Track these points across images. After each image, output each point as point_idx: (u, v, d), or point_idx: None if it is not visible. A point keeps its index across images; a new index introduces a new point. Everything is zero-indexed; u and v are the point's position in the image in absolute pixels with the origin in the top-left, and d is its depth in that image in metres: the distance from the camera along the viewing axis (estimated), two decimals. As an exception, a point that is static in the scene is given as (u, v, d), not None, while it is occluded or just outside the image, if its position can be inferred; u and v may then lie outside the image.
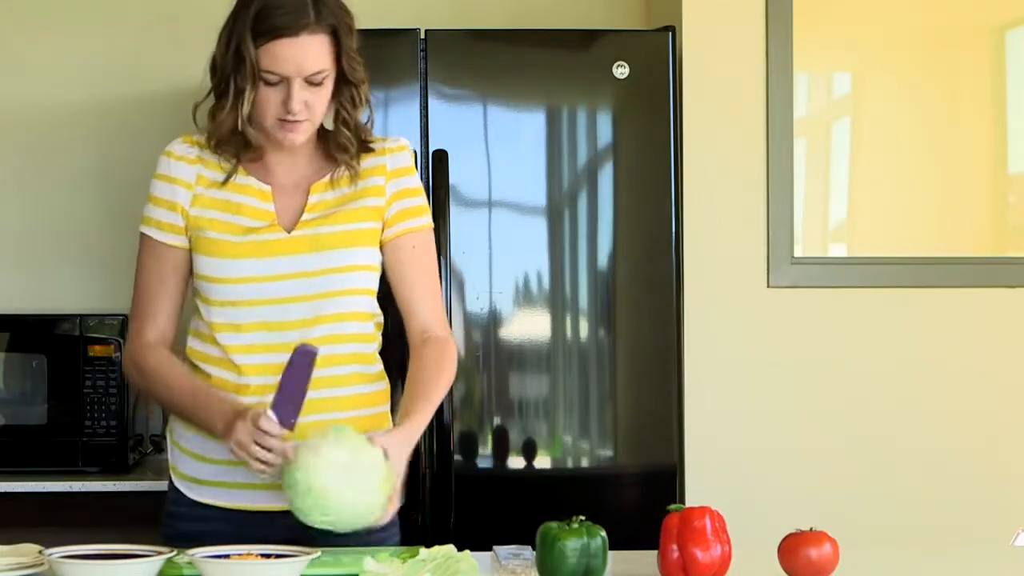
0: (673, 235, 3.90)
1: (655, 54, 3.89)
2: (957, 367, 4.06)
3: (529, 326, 3.85)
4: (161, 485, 3.88)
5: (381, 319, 2.65)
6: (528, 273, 3.88)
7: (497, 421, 3.85)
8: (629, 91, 3.88)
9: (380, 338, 2.65)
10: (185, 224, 2.58)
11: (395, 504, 2.39)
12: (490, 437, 3.86)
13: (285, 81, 2.49)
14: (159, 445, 4.32)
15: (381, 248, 2.62)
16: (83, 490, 3.88)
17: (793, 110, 4.01)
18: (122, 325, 4.01)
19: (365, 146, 2.62)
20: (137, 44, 4.42)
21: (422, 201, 2.66)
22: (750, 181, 4.00)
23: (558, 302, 3.88)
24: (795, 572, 2.30)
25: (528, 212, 3.90)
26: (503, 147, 3.88)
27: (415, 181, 2.66)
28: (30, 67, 4.42)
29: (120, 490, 3.89)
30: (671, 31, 3.90)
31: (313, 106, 2.52)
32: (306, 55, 2.48)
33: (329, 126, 2.62)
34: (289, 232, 2.55)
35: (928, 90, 4.17)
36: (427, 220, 2.66)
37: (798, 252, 4.02)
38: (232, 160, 2.58)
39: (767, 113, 4.00)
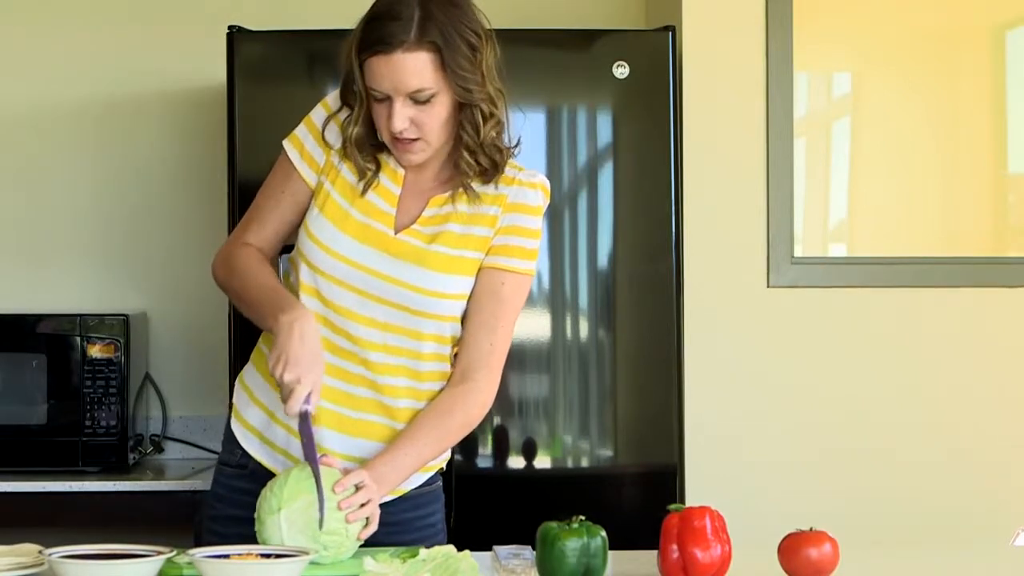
0: (673, 235, 3.89)
1: (655, 54, 3.88)
2: (957, 367, 4.06)
3: (529, 326, 3.84)
4: (161, 485, 3.93)
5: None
6: (528, 273, 3.88)
7: (497, 421, 3.85)
8: (629, 91, 3.88)
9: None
10: (324, 165, 2.52)
11: (371, 521, 2.36)
12: (490, 437, 3.85)
13: (389, 98, 2.41)
14: (159, 445, 4.32)
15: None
16: (83, 490, 3.88)
17: (793, 110, 4.01)
18: (122, 325, 4.01)
19: (498, 169, 2.50)
20: (136, 44, 4.42)
21: (531, 244, 2.53)
22: (750, 181, 4.00)
23: (558, 302, 3.87)
24: (795, 572, 2.30)
25: (528, 212, 3.89)
26: (503, 147, 3.87)
27: (533, 222, 2.53)
28: (30, 67, 4.42)
29: (120, 490, 3.89)
30: (671, 31, 3.90)
31: (423, 124, 2.42)
32: (401, 73, 2.38)
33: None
34: (395, 233, 2.48)
35: (928, 90, 4.17)
36: (528, 265, 2.53)
37: (798, 252, 4.02)
38: (370, 167, 2.50)
39: (767, 113, 4.00)
